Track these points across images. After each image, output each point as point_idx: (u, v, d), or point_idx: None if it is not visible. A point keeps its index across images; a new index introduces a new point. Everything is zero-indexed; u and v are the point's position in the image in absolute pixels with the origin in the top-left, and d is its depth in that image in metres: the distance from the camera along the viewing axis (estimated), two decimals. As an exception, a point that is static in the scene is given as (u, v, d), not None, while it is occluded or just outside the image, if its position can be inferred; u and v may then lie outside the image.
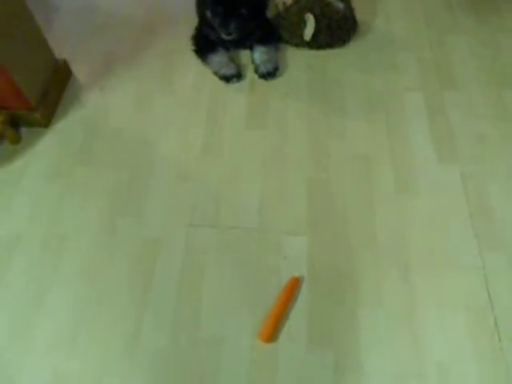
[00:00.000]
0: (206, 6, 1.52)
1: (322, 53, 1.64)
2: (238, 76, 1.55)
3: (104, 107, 1.52)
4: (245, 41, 1.58)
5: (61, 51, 1.61)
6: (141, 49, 1.69)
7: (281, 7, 1.61)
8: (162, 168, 1.35)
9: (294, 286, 1.12)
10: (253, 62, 1.59)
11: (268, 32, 1.60)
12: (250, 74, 1.59)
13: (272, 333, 1.05)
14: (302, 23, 1.57)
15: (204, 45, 1.60)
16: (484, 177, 1.32)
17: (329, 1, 1.57)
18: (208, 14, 1.50)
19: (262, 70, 1.54)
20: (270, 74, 1.54)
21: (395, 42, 1.68)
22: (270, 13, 1.64)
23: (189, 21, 1.70)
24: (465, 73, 1.57)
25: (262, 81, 1.56)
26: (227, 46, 1.60)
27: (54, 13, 1.81)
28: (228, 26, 1.46)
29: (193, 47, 1.63)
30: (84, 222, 1.26)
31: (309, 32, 1.57)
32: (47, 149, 1.42)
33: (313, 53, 1.64)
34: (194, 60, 1.63)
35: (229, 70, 1.54)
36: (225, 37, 1.50)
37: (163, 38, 1.73)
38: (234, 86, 1.55)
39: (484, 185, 1.30)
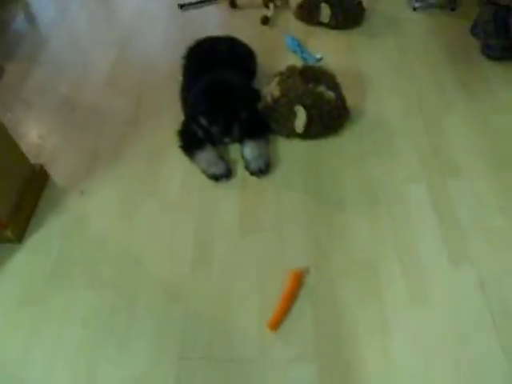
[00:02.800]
0: (197, 111, 1.45)
1: (314, 142, 1.56)
2: (228, 175, 1.45)
3: (84, 214, 1.41)
4: (231, 133, 1.49)
5: (39, 153, 1.52)
6: (124, 143, 1.61)
7: (269, 99, 1.55)
8: (148, 288, 1.22)
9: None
10: (243, 157, 1.50)
11: (258, 125, 1.53)
12: (240, 170, 1.49)
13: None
14: (292, 115, 1.50)
15: (191, 141, 1.52)
16: (502, 275, 1.20)
17: (319, 91, 1.51)
18: (203, 121, 1.44)
19: (254, 166, 1.45)
20: (261, 171, 1.45)
21: (389, 127, 1.61)
22: (260, 104, 1.58)
23: (172, 111, 1.64)
24: (465, 158, 1.49)
25: (253, 178, 1.46)
26: (214, 142, 1.51)
27: (30, 111, 1.73)
28: (231, 131, 1.40)
29: (179, 143, 1.54)
30: (56, 360, 1.09)
31: (300, 124, 1.50)
32: (19, 269, 1.29)
33: (305, 143, 1.56)
34: (180, 155, 1.54)
35: (218, 169, 1.44)
36: (227, 141, 1.43)
37: (147, 131, 1.65)
38: (225, 184, 1.45)
39: (504, 284, 1.18)
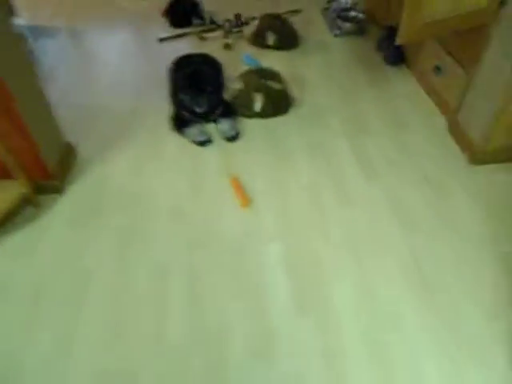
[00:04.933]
0: (178, 90, 2.05)
1: (269, 120, 2.19)
2: (210, 141, 2.04)
3: (105, 175, 1.91)
4: (211, 116, 2.10)
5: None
6: (130, 128, 2.15)
7: (234, 90, 2.17)
8: (156, 209, 1.74)
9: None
10: (218, 130, 2.09)
11: (227, 108, 2.14)
12: (217, 140, 2.08)
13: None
14: (251, 100, 2.13)
15: (180, 123, 2.10)
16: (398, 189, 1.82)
17: (269, 83, 2.16)
18: (181, 96, 2.03)
19: (228, 134, 2.05)
20: (234, 138, 2.05)
21: (321, 109, 2.27)
22: (227, 95, 2.20)
23: (162, 107, 2.23)
24: (373, 122, 2.16)
25: (227, 144, 2.05)
26: (198, 121, 2.10)
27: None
28: (199, 100, 1.99)
29: (171, 127, 2.12)
30: (103, 254, 1.58)
31: (257, 106, 2.12)
32: (65, 208, 1.76)
33: (262, 121, 2.18)
34: (172, 134, 2.11)
35: (202, 137, 2.03)
36: (197, 109, 2.02)
37: (147, 120, 2.21)
38: (208, 148, 2.03)
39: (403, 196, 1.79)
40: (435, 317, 1.38)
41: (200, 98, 2.01)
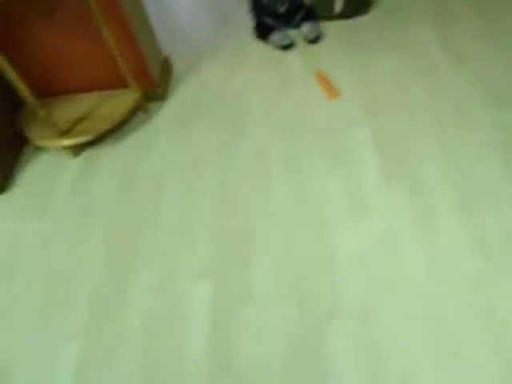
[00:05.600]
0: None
1: (350, 21, 2.21)
2: (293, 44, 2.13)
3: (201, 82, 2.10)
4: (292, 20, 2.17)
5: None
6: (217, 42, 2.29)
7: (315, -5, 2.21)
8: (254, 108, 1.90)
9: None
10: (301, 34, 2.16)
11: (308, 12, 2.19)
12: (300, 43, 2.15)
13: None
14: (331, 2, 2.15)
15: (264, 30, 2.19)
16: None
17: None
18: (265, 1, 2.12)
19: (311, 37, 2.11)
20: (316, 39, 2.11)
21: (402, 6, 2.23)
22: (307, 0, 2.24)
23: (245, 19, 2.32)
24: (460, 14, 2.10)
25: (310, 46, 2.12)
26: (281, 27, 2.18)
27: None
28: (282, 0, 2.07)
29: (256, 34, 2.23)
30: (209, 140, 1.79)
31: (339, 6, 2.15)
32: (170, 112, 1.98)
33: (344, 22, 2.21)
34: (257, 43, 2.22)
35: (286, 41, 2.12)
36: (280, 9, 2.10)
37: (232, 33, 2.33)
38: (292, 51, 2.12)
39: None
40: None
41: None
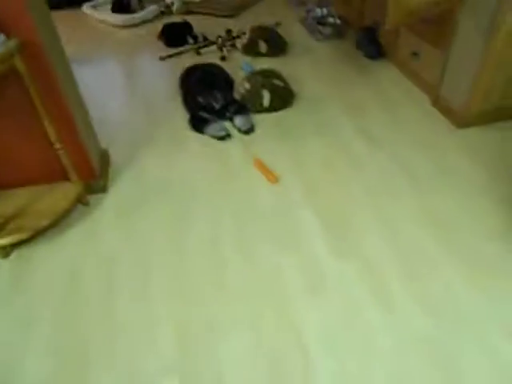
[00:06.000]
0: (195, 94, 2.30)
1: (277, 113, 2.46)
2: (229, 135, 2.28)
3: (140, 172, 2.12)
4: (226, 114, 2.35)
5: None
6: (153, 134, 2.37)
7: (243, 90, 2.44)
8: (198, 195, 1.95)
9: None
10: (235, 126, 2.34)
11: (239, 106, 2.39)
12: (235, 134, 2.32)
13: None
14: (260, 97, 2.40)
15: (199, 122, 2.34)
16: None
17: (273, 81, 2.44)
18: (198, 98, 2.28)
19: (245, 128, 2.30)
20: (250, 130, 2.30)
21: (319, 99, 2.56)
22: (237, 95, 2.46)
23: (178, 113, 2.47)
24: (367, 104, 2.47)
25: (244, 136, 2.30)
26: (215, 120, 2.34)
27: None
28: (216, 96, 2.26)
29: (192, 127, 2.36)
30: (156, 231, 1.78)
31: (266, 101, 2.40)
32: (112, 204, 1.95)
33: (271, 115, 2.45)
34: (193, 134, 2.34)
35: (222, 132, 2.27)
36: (215, 105, 2.27)
37: (166, 126, 2.43)
38: (228, 141, 2.27)
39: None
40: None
41: (215, 93, 2.28)
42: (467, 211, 1.78)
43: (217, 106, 2.31)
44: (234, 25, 3.48)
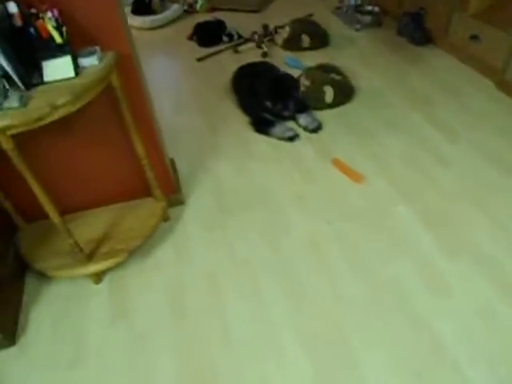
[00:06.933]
0: (262, 97, 2.20)
1: (339, 109, 2.37)
2: (298, 135, 2.19)
3: (214, 181, 2.02)
4: (285, 113, 2.24)
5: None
6: (215, 139, 2.27)
7: (303, 87, 2.34)
8: (284, 201, 1.87)
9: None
10: (300, 125, 2.25)
11: (302, 104, 2.30)
12: (302, 133, 2.23)
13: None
14: (322, 93, 2.31)
15: (264, 124, 2.24)
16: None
17: (332, 76, 2.35)
18: (268, 104, 2.18)
19: (311, 127, 2.21)
20: (318, 128, 2.21)
21: (378, 90, 2.48)
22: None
23: (235, 114, 2.37)
24: (430, 94, 2.39)
25: (312, 135, 2.21)
26: (278, 121, 2.25)
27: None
28: (288, 105, 2.16)
29: (255, 129, 2.26)
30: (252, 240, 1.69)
31: (329, 97, 2.31)
32: (191, 216, 1.85)
33: (333, 110, 2.36)
34: (257, 136, 2.25)
35: (291, 133, 2.18)
36: (286, 113, 2.18)
37: (227, 129, 2.33)
38: (297, 142, 2.18)
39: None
40: None
41: (289, 102, 2.18)
42: None
43: (287, 115, 2.21)
44: (261, 19, 3.36)
